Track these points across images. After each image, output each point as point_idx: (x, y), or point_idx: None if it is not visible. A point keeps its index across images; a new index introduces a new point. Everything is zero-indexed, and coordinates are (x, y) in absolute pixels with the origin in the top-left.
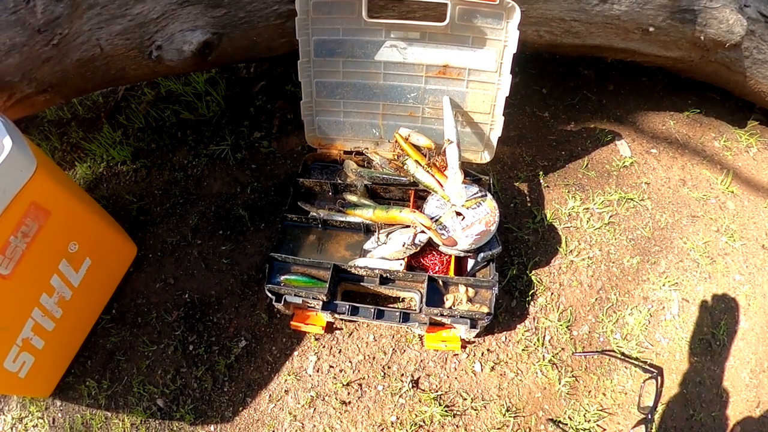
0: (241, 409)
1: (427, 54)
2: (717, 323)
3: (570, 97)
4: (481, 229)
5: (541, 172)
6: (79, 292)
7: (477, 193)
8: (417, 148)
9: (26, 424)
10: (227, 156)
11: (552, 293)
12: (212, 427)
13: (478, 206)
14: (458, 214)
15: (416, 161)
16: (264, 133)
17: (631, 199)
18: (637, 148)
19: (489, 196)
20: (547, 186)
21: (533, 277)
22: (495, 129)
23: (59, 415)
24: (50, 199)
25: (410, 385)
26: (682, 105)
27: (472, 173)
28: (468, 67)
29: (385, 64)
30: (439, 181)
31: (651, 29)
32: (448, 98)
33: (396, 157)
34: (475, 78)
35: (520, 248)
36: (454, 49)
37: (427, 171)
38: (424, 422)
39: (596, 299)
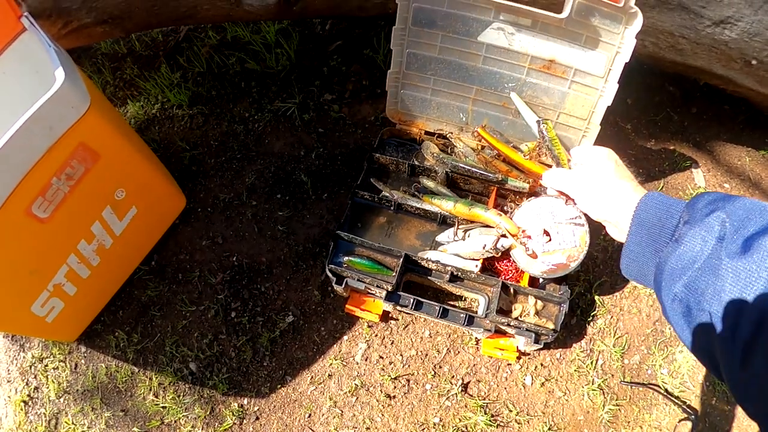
0: (279, 386)
1: (535, 44)
2: None
3: (653, 112)
4: (561, 261)
5: None
6: (120, 241)
7: (576, 218)
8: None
9: (47, 364)
10: (293, 115)
11: (612, 317)
12: (245, 401)
13: (572, 234)
14: (546, 233)
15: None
16: (335, 96)
17: None
18: (711, 179)
19: (586, 227)
20: None
21: (596, 297)
22: (588, 137)
23: (82, 361)
24: (101, 141)
25: (459, 389)
26: (760, 143)
27: None
28: (575, 67)
29: (488, 46)
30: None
31: (753, 62)
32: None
33: (481, 147)
34: (580, 80)
35: (588, 265)
36: (565, 45)
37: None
38: (467, 428)
39: (651, 330)
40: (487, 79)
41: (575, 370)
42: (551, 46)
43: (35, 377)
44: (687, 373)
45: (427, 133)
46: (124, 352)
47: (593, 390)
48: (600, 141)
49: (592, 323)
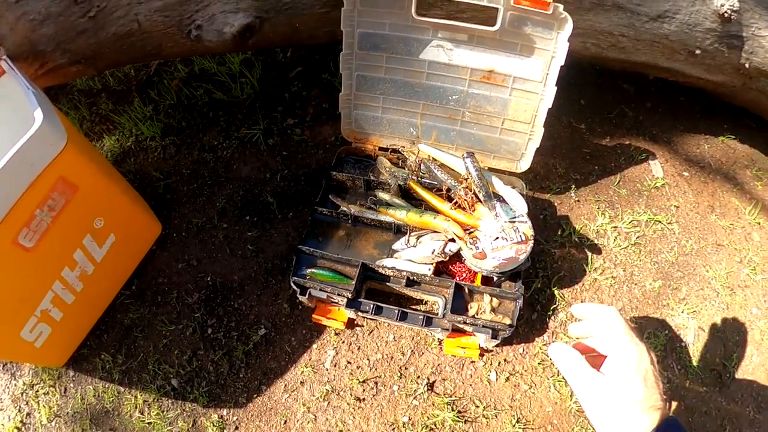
0: (255, 396)
1: (473, 57)
2: (729, 355)
3: (608, 110)
4: (510, 255)
5: (573, 186)
6: (102, 267)
7: (517, 216)
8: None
9: (37, 391)
10: (259, 141)
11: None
12: (225, 411)
13: (515, 230)
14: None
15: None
16: (297, 120)
17: (659, 222)
18: (669, 169)
19: (529, 223)
20: (578, 200)
21: (556, 292)
22: (534, 140)
23: (71, 385)
24: (79, 174)
25: (425, 388)
26: (718, 129)
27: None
28: (513, 75)
29: (430, 63)
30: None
31: (697, 52)
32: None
33: (417, 166)
34: (519, 86)
35: (546, 261)
36: (502, 55)
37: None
38: (435, 425)
39: None
40: (432, 93)
41: (539, 364)
42: (489, 57)
43: (27, 403)
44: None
45: (381, 148)
46: (110, 374)
47: (559, 381)
48: (553, 142)
49: (553, 317)
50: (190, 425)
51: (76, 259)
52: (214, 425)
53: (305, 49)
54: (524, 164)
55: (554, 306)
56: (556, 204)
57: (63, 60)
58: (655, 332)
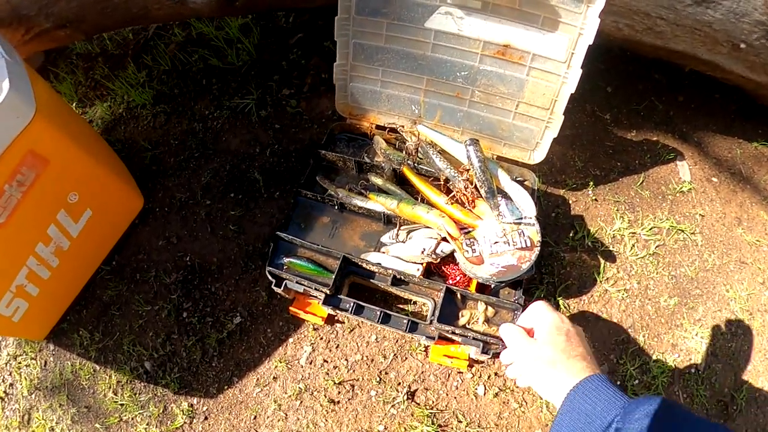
0: (226, 387)
1: (487, 28)
2: (739, 386)
3: (636, 101)
4: (511, 262)
5: (591, 182)
6: (78, 243)
7: (524, 218)
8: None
9: (20, 362)
10: (251, 111)
11: (577, 323)
12: (195, 400)
13: (520, 234)
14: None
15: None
16: (293, 90)
17: (682, 231)
18: (698, 173)
19: (536, 227)
20: (596, 199)
21: (561, 302)
22: (551, 128)
23: (51, 359)
24: (49, 147)
25: (405, 396)
26: (752, 134)
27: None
28: (533, 52)
29: (436, 33)
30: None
31: (742, 45)
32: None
33: (415, 149)
34: (539, 66)
35: (554, 267)
36: (520, 27)
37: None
38: None
39: (623, 338)
40: (437, 68)
41: None
42: (505, 29)
43: (10, 374)
44: (661, 384)
45: (378, 127)
46: (87, 351)
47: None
48: (574, 132)
49: None
50: (161, 411)
51: (51, 235)
52: (183, 413)
53: (309, 13)
54: (538, 155)
55: None
56: (571, 201)
57: (48, 24)
58: (664, 355)
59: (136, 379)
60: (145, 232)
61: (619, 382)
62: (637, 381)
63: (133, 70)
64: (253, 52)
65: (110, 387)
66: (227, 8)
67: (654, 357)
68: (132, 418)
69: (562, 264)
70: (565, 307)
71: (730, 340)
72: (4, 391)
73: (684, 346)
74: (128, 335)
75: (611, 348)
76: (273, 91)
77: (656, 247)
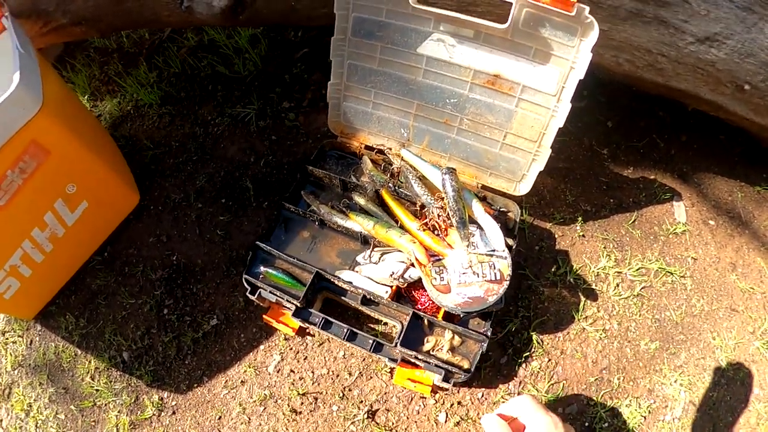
0: (196, 385)
1: (478, 57)
2: None
3: (637, 137)
4: (477, 294)
5: (580, 218)
6: (72, 232)
7: (495, 251)
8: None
9: (7, 338)
10: (251, 121)
11: (550, 360)
12: (165, 394)
13: (490, 267)
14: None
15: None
16: (293, 104)
17: (671, 273)
18: (694, 214)
19: (508, 260)
20: (583, 235)
21: (534, 337)
22: (538, 161)
23: (37, 338)
24: (51, 139)
25: (366, 415)
26: (756, 178)
27: (496, 207)
28: (523, 84)
29: (428, 59)
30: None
31: (746, 87)
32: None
33: (397, 173)
34: (529, 98)
35: (530, 300)
36: (511, 58)
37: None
38: None
39: (596, 379)
40: (427, 93)
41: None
42: (496, 59)
43: None
44: (633, 430)
45: (367, 147)
46: (71, 335)
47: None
48: (567, 165)
49: (525, 365)
50: (133, 400)
51: (47, 221)
52: (153, 405)
53: (317, 30)
54: (524, 187)
55: (529, 353)
56: (557, 235)
57: (65, 20)
58: (638, 400)
59: (113, 367)
60: (138, 227)
61: (587, 424)
62: (606, 424)
63: (144, 70)
64: (259, 63)
65: (88, 372)
66: (232, 20)
67: (627, 401)
68: (105, 404)
69: (540, 298)
70: (538, 342)
71: (712, 390)
72: None
73: (661, 392)
74: (111, 325)
75: (583, 388)
76: (274, 103)
77: (642, 288)
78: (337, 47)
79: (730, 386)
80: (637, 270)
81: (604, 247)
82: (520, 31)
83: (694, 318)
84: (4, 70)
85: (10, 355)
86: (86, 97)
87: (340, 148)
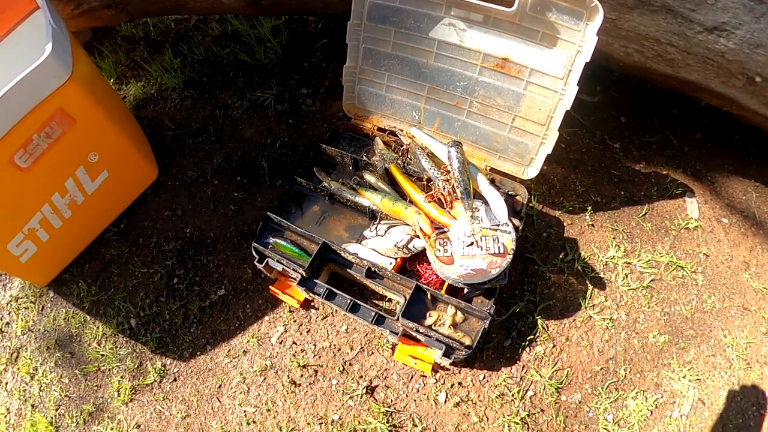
0: (199, 354)
1: (487, 41)
2: None
3: (649, 133)
4: (480, 266)
5: (590, 208)
6: (91, 200)
7: (501, 225)
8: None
9: (20, 304)
10: (269, 105)
11: (555, 346)
12: (168, 361)
13: (494, 240)
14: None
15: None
16: (311, 90)
17: (682, 268)
18: (707, 211)
19: (512, 235)
20: (592, 224)
21: (539, 321)
22: (546, 144)
23: (48, 305)
24: (78, 108)
25: (365, 390)
26: None
27: (505, 189)
28: (531, 67)
29: (439, 43)
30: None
31: (757, 79)
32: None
33: (406, 151)
34: (537, 81)
35: (537, 285)
36: (519, 42)
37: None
38: None
39: (602, 368)
40: (439, 76)
41: (498, 396)
42: (504, 43)
43: (9, 314)
44: (637, 424)
45: (380, 129)
46: (82, 301)
47: (515, 422)
48: (579, 157)
49: (529, 349)
50: (136, 366)
51: (67, 188)
52: (156, 371)
53: (336, 21)
54: (532, 171)
55: (533, 336)
56: (565, 224)
57: (96, 3)
58: (644, 393)
59: (120, 333)
60: (155, 202)
61: (590, 414)
62: (610, 416)
63: (169, 56)
64: (279, 51)
65: (95, 338)
66: (254, 7)
67: (633, 393)
68: (109, 370)
69: (547, 284)
70: (543, 327)
71: (721, 389)
72: (0, 329)
73: (669, 386)
74: (121, 292)
75: (587, 377)
76: (292, 89)
77: (651, 280)
78: (353, 31)
79: (740, 386)
80: (647, 262)
81: (614, 238)
82: (528, 15)
83: (704, 314)
84: (37, 44)
85: (21, 320)
86: (112, 80)
87: (353, 129)
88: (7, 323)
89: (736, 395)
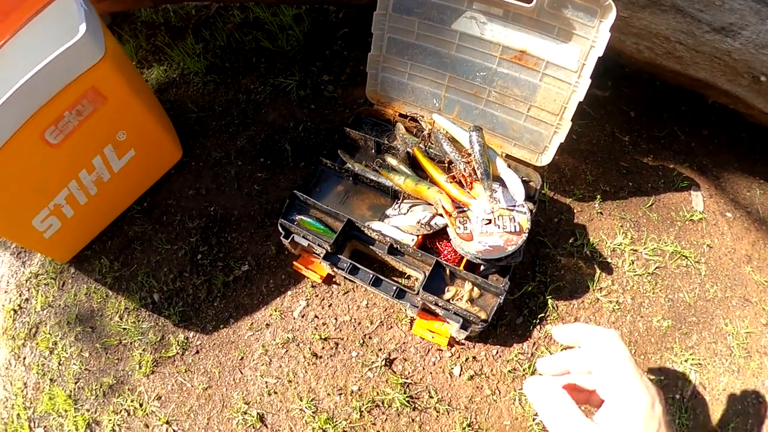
0: (222, 327)
1: (506, 34)
2: (726, 424)
3: (658, 128)
4: (498, 243)
5: (599, 196)
6: (117, 178)
7: (517, 205)
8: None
9: (40, 280)
10: (291, 90)
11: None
12: (191, 334)
13: (510, 219)
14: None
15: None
16: (332, 77)
17: (686, 257)
18: (711, 205)
19: (527, 215)
20: (601, 212)
21: (550, 301)
22: (559, 133)
23: (69, 281)
24: (109, 87)
25: (383, 363)
26: None
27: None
28: (546, 59)
29: (461, 34)
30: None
31: (763, 78)
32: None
33: (428, 135)
34: (552, 73)
35: (548, 267)
36: (537, 36)
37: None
38: (382, 403)
39: None
40: (459, 66)
41: (510, 371)
42: (523, 36)
43: (28, 290)
44: None
45: (401, 115)
46: (104, 277)
47: (525, 396)
48: (589, 148)
49: (539, 327)
50: (159, 339)
51: (95, 165)
52: (178, 344)
53: (356, 11)
54: (545, 158)
55: (544, 315)
56: (575, 210)
57: None
58: (647, 375)
59: (142, 307)
60: (179, 181)
61: None
62: None
63: (191, 42)
64: (301, 39)
65: (117, 312)
66: None
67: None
68: (131, 343)
69: (557, 266)
70: (553, 307)
71: (722, 375)
72: (19, 305)
73: (671, 370)
74: (144, 268)
75: None
76: (314, 76)
77: (656, 267)
78: (378, 21)
79: (741, 374)
80: (653, 250)
81: (621, 226)
82: (545, 11)
83: (707, 302)
84: (68, 25)
85: (42, 296)
86: (134, 64)
87: (375, 115)
88: (27, 299)
89: (735, 382)
